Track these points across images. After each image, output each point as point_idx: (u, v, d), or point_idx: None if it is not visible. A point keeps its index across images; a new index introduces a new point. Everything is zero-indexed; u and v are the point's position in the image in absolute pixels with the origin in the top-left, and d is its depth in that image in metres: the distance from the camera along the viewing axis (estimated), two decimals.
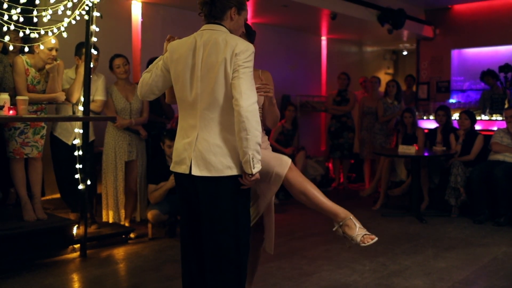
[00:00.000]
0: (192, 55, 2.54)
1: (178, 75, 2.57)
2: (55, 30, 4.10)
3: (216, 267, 2.54)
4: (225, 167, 2.50)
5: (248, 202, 2.71)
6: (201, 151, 2.51)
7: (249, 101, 2.42)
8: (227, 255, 2.52)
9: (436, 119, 6.72)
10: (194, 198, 2.61)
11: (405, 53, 11.55)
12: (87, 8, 4.16)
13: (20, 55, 4.42)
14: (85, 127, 4.43)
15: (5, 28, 3.82)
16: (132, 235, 5.00)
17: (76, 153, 4.49)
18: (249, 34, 2.99)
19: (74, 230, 4.48)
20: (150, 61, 5.62)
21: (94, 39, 4.30)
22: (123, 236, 4.91)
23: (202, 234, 2.59)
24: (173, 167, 2.65)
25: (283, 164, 2.83)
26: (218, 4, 2.57)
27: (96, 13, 4.24)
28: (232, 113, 2.47)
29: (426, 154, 6.17)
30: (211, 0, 2.57)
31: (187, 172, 2.54)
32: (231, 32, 2.60)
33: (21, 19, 3.84)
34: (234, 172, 2.52)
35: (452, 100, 8.82)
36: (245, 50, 2.47)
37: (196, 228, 2.63)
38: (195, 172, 2.51)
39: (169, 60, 2.62)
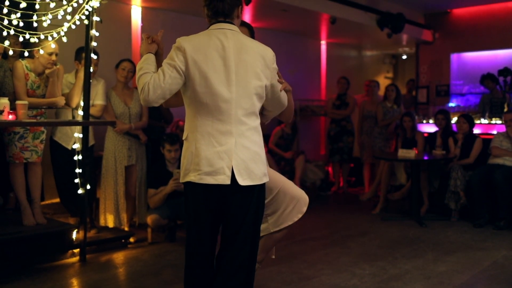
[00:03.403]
0: (221, 56, 2.40)
1: (204, 78, 2.38)
2: (55, 35, 4.10)
3: (232, 271, 2.50)
4: (263, 175, 2.50)
5: None
6: (243, 160, 2.40)
7: (286, 101, 2.72)
8: (244, 261, 2.51)
9: (436, 123, 6.72)
10: (219, 208, 2.50)
11: (404, 57, 11.56)
12: (87, 12, 4.17)
13: (20, 59, 4.43)
14: (84, 131, 4.43)
15: (5, 33, 3.82)
16: (131, 240, 4.99)
17: (75, 158, 4.49)
18: (253, 37, 3.02)
19: (74, 235, 4.48)
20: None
21: (94, 43, 4.31)
22: (123, 240, 4.90)
23: (224, 240, 2.54)
24: (201, 179, 2.39)
25: (301, 203, 3.04)
26: (229, 1, 2.48)
27: (96, 18, 4.26)
28: (258, 118, 2.53)
29: (425, 158, 6.17)
30: None
31: (227, 182, 2.38)
32: None
33: (21, 24, 3.85)
34: (267, 179, 2.54)
35: (451, 104, 8.82)
36: (275, 58, 2.57)
37: (214, 236, 2.57)
38: (240, 181, 2.39)
39: (190, 60, 2.38)
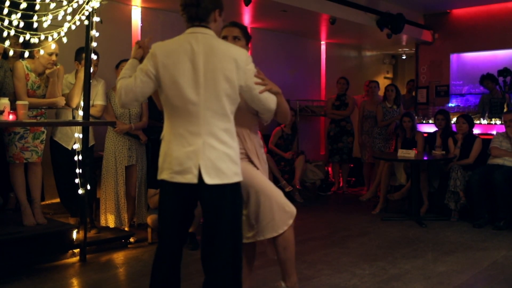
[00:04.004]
0: (190, 60, 2.48)
1: (174, 82, 2.49)
2: (55, 35, 4.11)
3: (215, 269, 2.56)
4: (234, 174, 2.54)
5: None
6: (211, 159, 2.47)
7: (275, 102, 2.73)
8: (227, 258, 2.55)
9: (435, 123, 6.73)
10: (191, 206, 2.61)
11: (404, 57, 11.57)
12: (87, 13, 4.18)
13: (20, 60, 4.43)
14: (85, 131, 4.44)
15: (5, 33, 3.82)
16: (131, 240, 4.99)
17: (76, 158, 4.49)
18: (248, 39, 3.03)
19: (74, 235, 4.48)
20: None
21: (94, 44, 4.31)
22: (123, 240, 4.91)
23: (205, 241, 2.59)
24: (172, 177, 2.52)
25: (287, 215, 3.03)
26: (204, 5, 2.54)
27: (96, 18, 4.26)
28: (232, 119, 2.55)
29: (425, 158, 6.17)
30: (196, 2, 2.53)
31: (195, 181, 2.47)
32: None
33: (21, 24, 3.85)
34: (239, 178, 2.57)
35: (451, 104, 8.83)
36: (250, 60, 2.57)
37: (182, 234, 2.67)
38: (207, 180, 2.46)
39: (160, 65, 2.50)
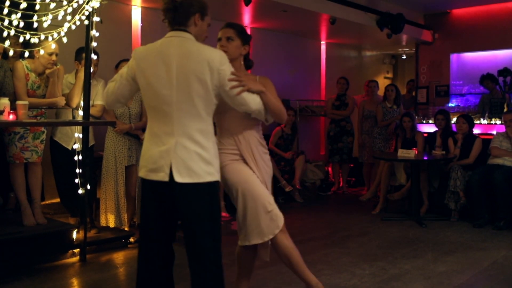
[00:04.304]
0: (164, 63, 2.55)
1: (149, 83, 2.58)
2: (55, 35, 4.11)
3: (198, 268, 2.60)
4: (206, 173, 2.58)
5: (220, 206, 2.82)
6: (182, 158, 2.54)
7: (257, 102, 2.70)
8: (207, 256, 2.58)
9: (435, 123, 6.73)
10: (169, 204, 2.65)
11: (404, 57, 11.57)
12: (87, 13, 4.17)
13: (20, 60, 4.43)
14: (85, 131, 4.44)
15: (5, 33, 3.82)
16: (131, 240, 4.99)
17: (76, 158, 4.49)
18: (245, 38, 3.03)
19: (74, 235, 4.48)
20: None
21: (94, 44, 4.31)
22: (123, 240, 4.90)
23: (186, 242, 2.63)
24: (147, 175, 2.63)
25: (274, 224, 2.99)
26: (182, 10, 2.61)
27: (96, 18, 4.26)
28: (207, 120, 2.59)
29: (425, 158, 6.18)
30: (174, 7, 2.60)
31: (166, 179, 2.55)
32: (196, 38, 2.64)
33: (21, 24, 3.85)
34: (213, 178, 2.60)
35: (451, 104, 8.83)
36: (225, 61, 2.58)
37: (162, 232, 2.70)
38: (178, 179, 2.53)
39: (135, 68, 2.62)
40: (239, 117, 2.99)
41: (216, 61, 2.55)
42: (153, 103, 2.60)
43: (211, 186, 2.60)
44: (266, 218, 2.97)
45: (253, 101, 2.71)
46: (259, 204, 2.97)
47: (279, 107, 2.89)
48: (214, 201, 2.64)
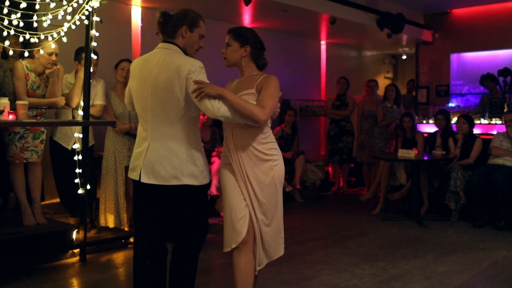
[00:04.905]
0: (145, 72, 2.80)
1: (134, 90, 2.88)
2: (55, 35, 4.10)
3: (181, 263, 2.96)
4: (171, 177, 2.77)
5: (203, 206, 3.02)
6: (150, 161, 2.78)
7: (217, 108, 2.68)
8: (190, 249, 2.95)
9: (436, 123, 6.73)
10: (149, 202, 2.90)
11: (404, 57, 11.56)
12: (87, 13, 4.17)
13: (20, 60, 4.43)
14: (84, 131, 4.43)
15: (5, 33, 3.82)
16: (131, 240, 4.98)
17: (75, 158, 4.49)
18: (243, 40, 2.99)
19: (74, 235, 4.48)
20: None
21: (94, 44, 4.31)
22: (123, 240, 4.90)
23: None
24: (129, 173, 2.93)
25: (235, 235, 2.94)
26: (171, 23, 2.84)
27: (96, 18, 4.26)
28: (180, 126, 2.76)
29: (425, 158, 6.17)
30: (164, 20, 2.84)
31: (137, 178, 2.83)
32: (184, 49, 2.84)
33: (21, 24, 3.85)
34: (179, 182, 2.78)
35: (451, 104, 8.82)
36: (194, 70, 2.70)
37: (158, 229, 2.92)
38: (144, 179, 2.79)
39: (130, 76, 2.94)
40: (232, 125, 2.92)
41: (185, 70, 2.69)
42: (137, 108, 2.89)
43: (174, 189, 2.79)
44: (230, 229, 2.93)
45: (214, 107, 2.65)
46: (228, 214, 2.94)
47: (245, 109, 2.72)
48: (187, 204, 2.87)
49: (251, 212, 2.92)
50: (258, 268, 2.99)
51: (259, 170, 2.92)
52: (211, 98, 2.66)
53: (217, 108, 2.66)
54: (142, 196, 2.90)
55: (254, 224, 2.93)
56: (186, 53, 2.85)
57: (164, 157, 2.75)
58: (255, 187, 2.91)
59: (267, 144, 2.96)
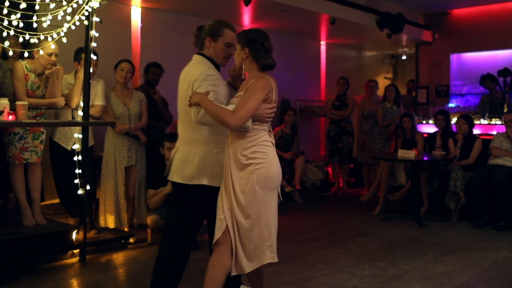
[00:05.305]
0: (180, 82, 3.11)
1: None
2: (55, 36, 4.10)
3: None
4: (190, 177, 3.02)
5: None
6: (177, 161, 3.10)
7: (195, 113, 2.90)
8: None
9: (436, 124, 6.73)
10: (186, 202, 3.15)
11: (404, 57, 11.56)
12: (86, 13, 4.17)
13: (20, 60, 4.42)
14: (84, 132, 4.43)
15: (4, 34, 3.82)
16: (131, 240, 4.99)
17: (75, 158, 4.48)
18: (243, 42, 2.98)
19: (74, 235, 4.48)
20: (148, 66, 5.69)
21: (93, 44, 4.31)
22: (123, 241, 4.90)
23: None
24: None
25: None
26: (199, 36, 3.13)
27: (95, 19, 4.26)
28: (198, 129, 2.99)
29: (425, 158, 6.17)
30: (197, 33, 3.15)
31: (169, 178, 3.18)
32: (211, 58, 3.09)
33: (21, 25, 3.85)
34: (196, 182, 3.01)
35: (451, 105, 8.82)
36: (199, 77, 2.94)
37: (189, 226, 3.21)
38: (171, 177, 3.13)
39: None
40: (226, 129, 2.94)
41: (193, 77, 2.97)
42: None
43: (188, 188, 3.04)
44: (216, 228, 2.95)
45: (194, 113, 2.90)
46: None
47: (215, 114, 2.77)
48: (188, 201, 3.08)
49: (232, 215, 2.89)
50: (233, 273, 2.92)
51: (240, 175, 2.88)
52: (194, 106, 2.90)
53: (196, 114, 2.89)
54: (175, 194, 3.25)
55: (231, 228, 2.88)
56: (214, 62, 3.10)
57: (186, 159, 3.04)
58: (237, 190, 2.87)
59: (252, 147, 2.88)
